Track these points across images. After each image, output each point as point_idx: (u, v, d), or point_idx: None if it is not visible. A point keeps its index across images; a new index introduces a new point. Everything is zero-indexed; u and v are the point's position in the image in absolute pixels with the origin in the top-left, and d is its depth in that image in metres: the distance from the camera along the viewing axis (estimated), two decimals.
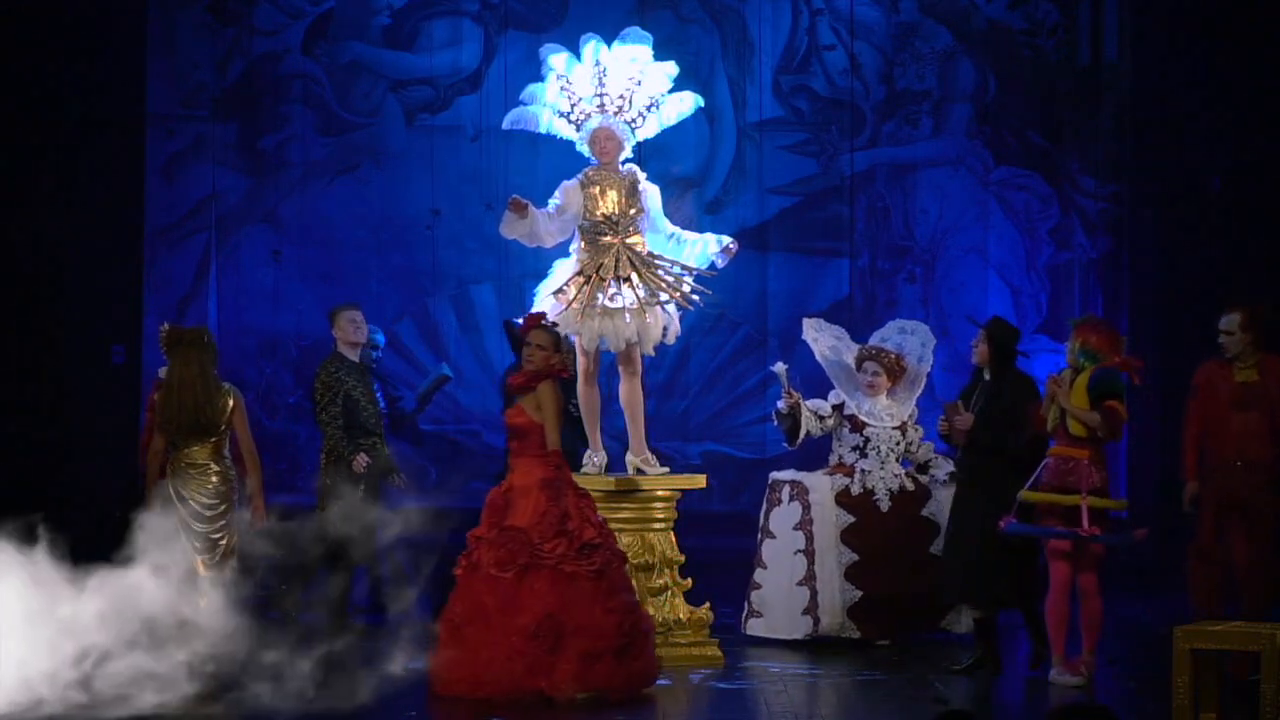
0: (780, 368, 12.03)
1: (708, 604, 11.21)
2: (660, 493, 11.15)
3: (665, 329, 11.09)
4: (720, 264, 11.23)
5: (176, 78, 16.04)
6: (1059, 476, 10.27)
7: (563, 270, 11.12)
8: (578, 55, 11.26)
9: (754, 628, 11.87)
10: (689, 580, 11.16)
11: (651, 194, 11.21)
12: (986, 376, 10.86)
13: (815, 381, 12.41)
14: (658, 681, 10.09)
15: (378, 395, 12.24)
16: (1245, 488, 10.49)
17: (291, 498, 11.46)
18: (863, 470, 11.92)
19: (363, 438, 11.68)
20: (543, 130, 11.31)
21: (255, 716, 9.21)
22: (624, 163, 11.22)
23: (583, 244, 11.10)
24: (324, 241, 16.15)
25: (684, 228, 11.54)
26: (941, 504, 11.90)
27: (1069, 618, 10.40)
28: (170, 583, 9.50)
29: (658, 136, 11.46)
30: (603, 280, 10.96)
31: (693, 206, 15.98)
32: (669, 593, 11.02)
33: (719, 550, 12.81)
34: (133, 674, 9.20)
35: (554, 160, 12.60)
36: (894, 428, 12.02)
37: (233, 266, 16.08)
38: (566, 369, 10.45)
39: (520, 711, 9.55)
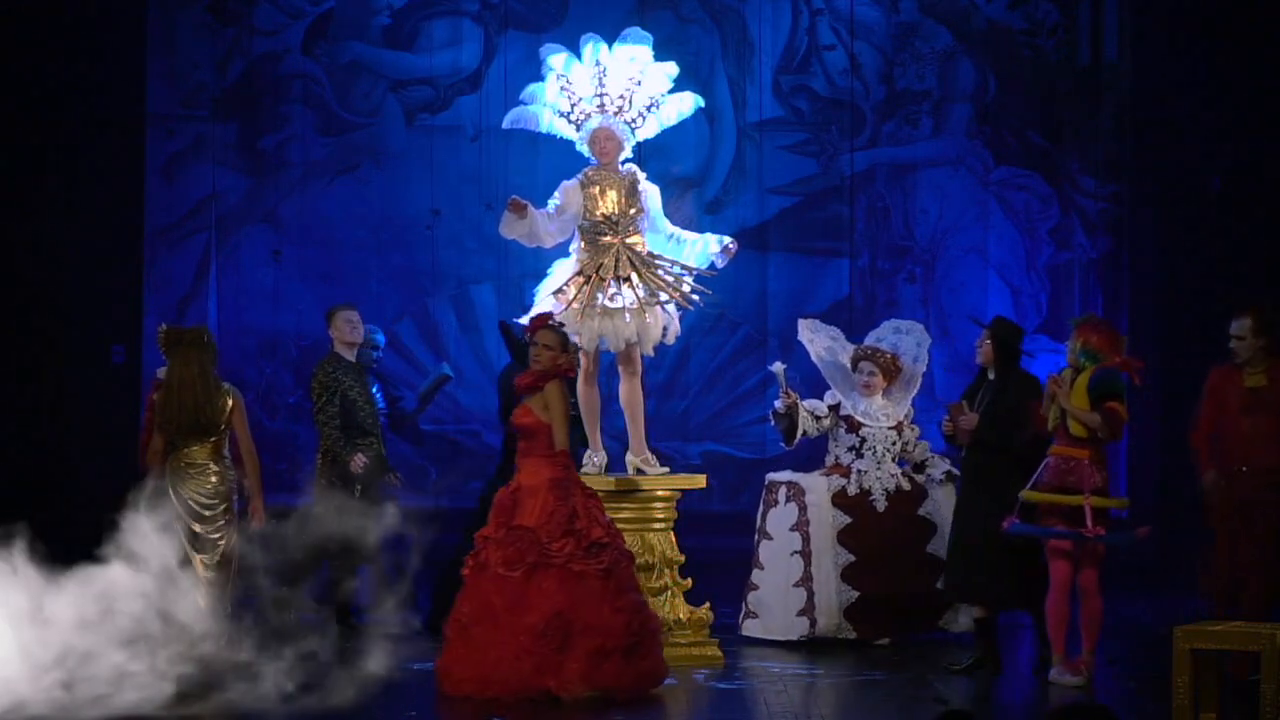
0: (778, 367, 12.03)
1: (708, 604, 11.21)
2: (660, 493, 11.15)
3: (665, 329, 11.10)
4: (720, 264, 11.23)
5: (176, 78, 16.04)
6: (1059, 476, 10.27)
7: (562, 270, 11.12)
8: (578, 55, 11.27)
9: (750, 629, 11.87)
10: (689, 580, 11.16)
11: (651, 194, 11.21)
12: (991, 376, 10.88)
13: (814, 382, 12.42)
14: (666, 681, 10.10)
15: (378, 395, 12.23)
16: (1252, 490, 10.50)
17: (291, 498, 11.45)
18: (859, 470, 11.92)
19: (360, 438, 11.67)
20: (543, 130, 11.31)
21: (256, 716, 9.21)
22: (624, 163, 11.22)
23: (582, 244, 11.10)
24: (324, 241, 16.15)
25: (684, 228, 11.54)
26: (938, 503, 11.91)
27: (1069, 617, 10.41)
28: (161, 582, 9.49)
29: (658, 136, 11.46)
30: (602, 280, 10.95)
31: (693, 206, 15.98)
32: (669, 593, 11.02)
33: (719, 550, 12.81)
34: (131, 674, 9.20)
35: (554, 160, 12.60)
36: (890, 427, 12.02)
37: (233, 266, 16.08)
38: (574, 369, 10.45)
39: (522, 711, 9.55)
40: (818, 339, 12.28)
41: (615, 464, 11.43)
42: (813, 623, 11.72)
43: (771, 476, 12.13)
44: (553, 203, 11.08)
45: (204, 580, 9.91)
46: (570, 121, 11.23)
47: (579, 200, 11.07)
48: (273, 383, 16.00)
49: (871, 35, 16.35)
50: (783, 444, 12.19)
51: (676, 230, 11.32)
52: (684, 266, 11.12)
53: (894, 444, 12.01)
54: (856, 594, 11.74)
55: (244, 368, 15.59)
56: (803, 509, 11.83)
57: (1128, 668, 10.91)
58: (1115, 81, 16.25)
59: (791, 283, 16.27)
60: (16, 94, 15.07)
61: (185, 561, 9.83)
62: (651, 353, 11.17)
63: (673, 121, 11.41)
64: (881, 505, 11.87)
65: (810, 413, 11.99)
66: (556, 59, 11.25)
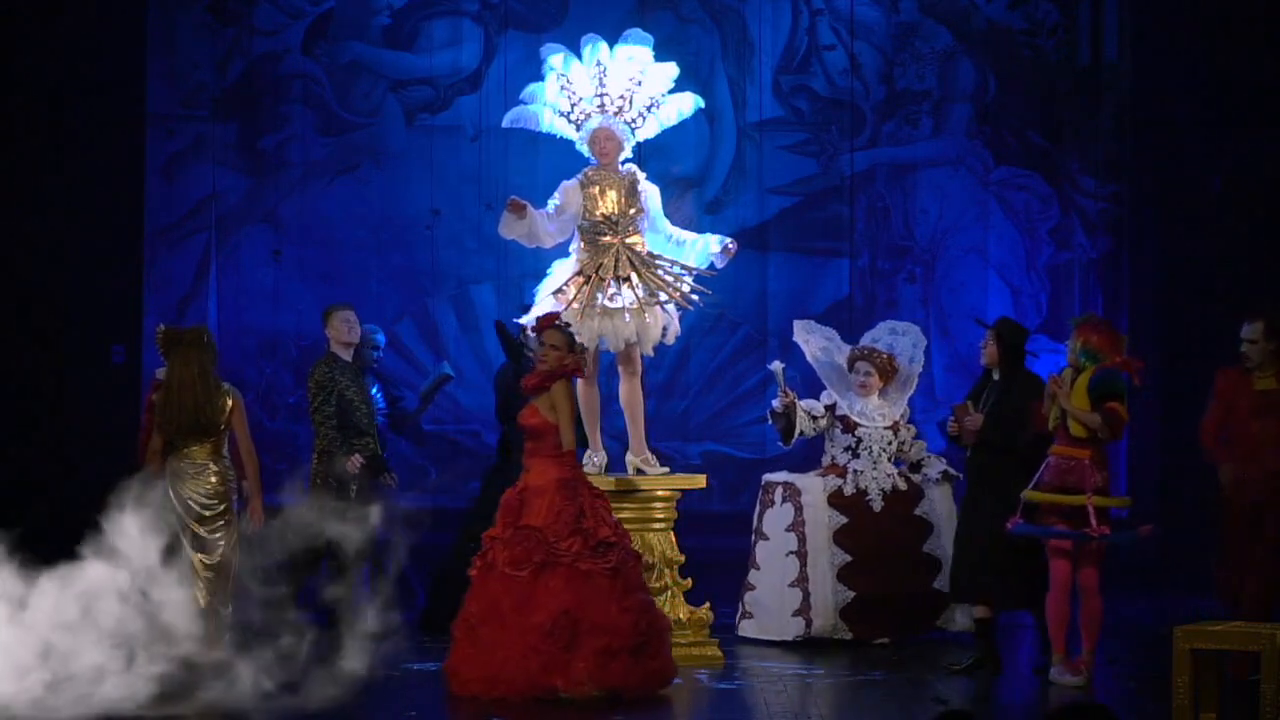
0: (777, 366, 12.04)
1: (708, 604, 11.21)
2: (660, 493, 11.15)
3: (665, 329, 11.09)
4: (720, 264, 11.23)
5: (176, 78, 16.03)
6: (1059, 476, 10.28)
7: (562, 270, 11.12)
8: (578, 55, 11.27)
9: (746, 629, 11.87)
10: (689, 580, 11.16)
11: (651, 194, 11.21)
12: (996, 377, 10.88)
13: (813, 381, 12.43)
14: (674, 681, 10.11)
15: (379, 395, 12.22)
16: (1262, 493, 10.51)
17: (291, 498, 11.43)
18: (855, 470, 11.93)
19: (355, 438, 11.65)
20: (543, 129, 11.31)
21: (254, 716, 9.21)
22: (624, 163, 11.22)
23: (582, 244, 11.10)
24: (324, 241, 16.14)
25: (684, 228, 11.54)
26: (934, 502, 11.93)
27: (1069, 616, 10.41)
28: (144, 580, 9.48)
29: (658, 136, 11.46)
30: (602, 280, 10.95)
31: (693, 206, 15.97)
32: (669, 593, 11.02)
33: (719, 550, 12.81)
34: (111, 673, 9.20)
35: (554, 160, 12.60)
36: (886, 427, 12.03)
37: (233, 266, 16.07)
38: (581, 369, 10.46)
39: (524, 712, 9.55)
40: (813, 340, 12.29)
41: (615, 464, 11.43)
42: (808, 623, 11.72)
43: (768, 477, 12.14)
44: (552, 203, 11.08)
45: (203, 580, 9.91)
46: (570, 121, 11.23)
47: (579, 200, 11.07)
48: (273, 383, 15.99)
49: (871, 35, 16.34)
50: (780, 443, 12.21)
51: (676, 230, 11.32)
52: (684, 266, 11.12)
53: (890, 444, 12.02)
54: (852, 594, 11.74)
55: (244, 368, 15.58)
56: (798, 509, 11.83)
57: (1128, 668, 10.91)
58: (1115, 81, 16.24)
59: (791, 283, 16.27)
60: (17, 94, 15.06)
61: (179, 560, 9.81)
62: (651, 353, 11.17)
63: (673, 122, 11.41)
64: (878, 505, 11.87)
65: (807, 412, 12.00)
66: (556, 59, 11.25)
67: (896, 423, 12.08)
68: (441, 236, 16.14)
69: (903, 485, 11.95)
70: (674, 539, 11.17)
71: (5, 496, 14.19)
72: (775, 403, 12.04)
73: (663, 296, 11.01)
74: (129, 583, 9.45)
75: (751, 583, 11.94)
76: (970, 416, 10.75)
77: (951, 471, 12.03)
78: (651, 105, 11.24)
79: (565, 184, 11.13)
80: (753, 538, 12.03)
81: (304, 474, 11.67)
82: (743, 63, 16.30)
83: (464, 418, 15.94)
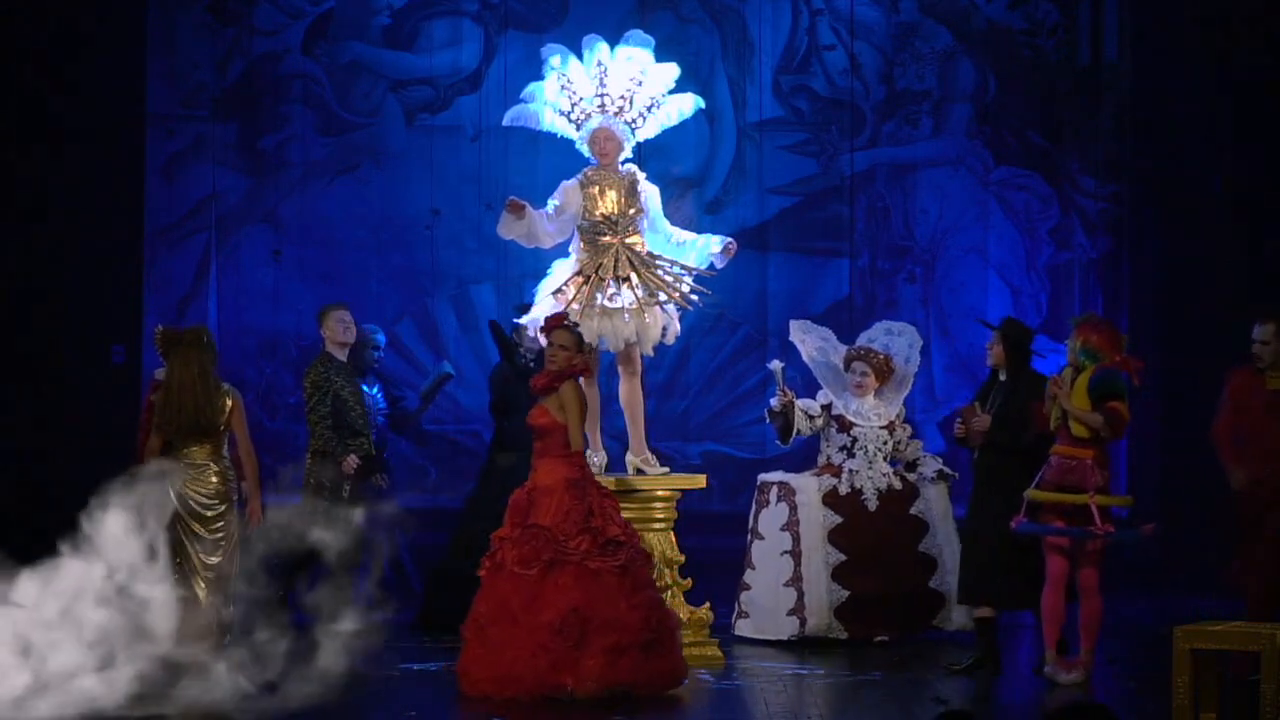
0: (776, 365, 12.06)
1: (708, 604, 11.21)
2: (660, 493, 11.15)
3: (664, 329, 11.10)
4: (719, 264, 11.23)
5: (176, 78, 16.03)
6: (1061, 475, 10.29)
7: (562, 270, 11.12)
8: (579, 55, 11.27)
9: (742, 628, 11.89)
10: (689, 580, 11.16)
11: (651, 194, 11.21)
12: (1002, 378, 10.88)
13: (812, 381, 12.44)
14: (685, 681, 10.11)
15: (379, 395, 12.22)
16: (1272, 492, 10.51)
17: (282, 498, 11.42)
18: (850, 470, 11.94)
19: (351, 438, 11.63)
20: (543, 128, 11.31)
21: (247, 716, 9.21)
22: (624, 163, 11.22)
23: (582, 244, 11.10)
24: (324, 241, 16.14)
25: (684, 228, 11.55)
26: (930, 502, 11.94)
27: (1063, 611, 10.41)
28: (128, 578, 9.48)
29: (658, 136, 11.46)
30: (602, 280, 10.96)
31: (693, 206, 15.97)
32: (669, 593, 11.02)
33: (719, 550, 12.81)
34: (92, 671, 9.20)
35: (554, 160, 12.60)
36: (881, 427, 12.05)
37: (233, 266, 16.07)
38: (589, 369, 10.46)
39: (527, 712, 9.54)
40: (809, 340, 12.31)
41: (615, 464, 11.43)
42: (802, 622, 11.73)
43: (763, 477, 12.16)
44: (552, 203, 11.08)
45: (204, 580, 9.91)
46: (570, 121, 11.24)
47: (578, 200, 11.07)
48: (273, 383, 15.99)
49: (871, 35, 16.34)
50: (778, 442, 12.22)
51: (676, 230, 11.32)
52: (683, 266, 11.12)
53: (885, 443, 12.03)
54: (847, 593, 11.75)
55: (244, 368, 15.58)
56: (793, 509, 11.85)
57: (1128, 668, 10.91)
58: (1115, 81, 16.24)
59: (791, 283, 16.26)
60: (17, 94, 15.06)
61: (173, 559, 9.81)
62: (651, 353, 11.17)
63: (673, 122, 11.41)
64: (873, 504, 11.88)
65: (804, 412, 12.01)
66: (557, 59, 11.25)
67: (892, 422, 12.09)
68: (441, 236, 16.14)
69: (898, 484, 11.96)
70: (674, 539, 11.18)
71: (4, 496, 14.20)
72: (773, 401, 12.06)
73: (662, 296, 11.01)
74: (127, 583, 9.44)
75: (747, 582, 11.95)
76: (978, 418, 10.75)
77: (947, 471, 12.05)
78: (652, 105, 11.25)
79: (565, 184, 11.13)
80: (748, 537, 12.04)
81: (298, 473, 11.67)
82: (743, 63, 16.30)
83: (464, 418, 15.94)
